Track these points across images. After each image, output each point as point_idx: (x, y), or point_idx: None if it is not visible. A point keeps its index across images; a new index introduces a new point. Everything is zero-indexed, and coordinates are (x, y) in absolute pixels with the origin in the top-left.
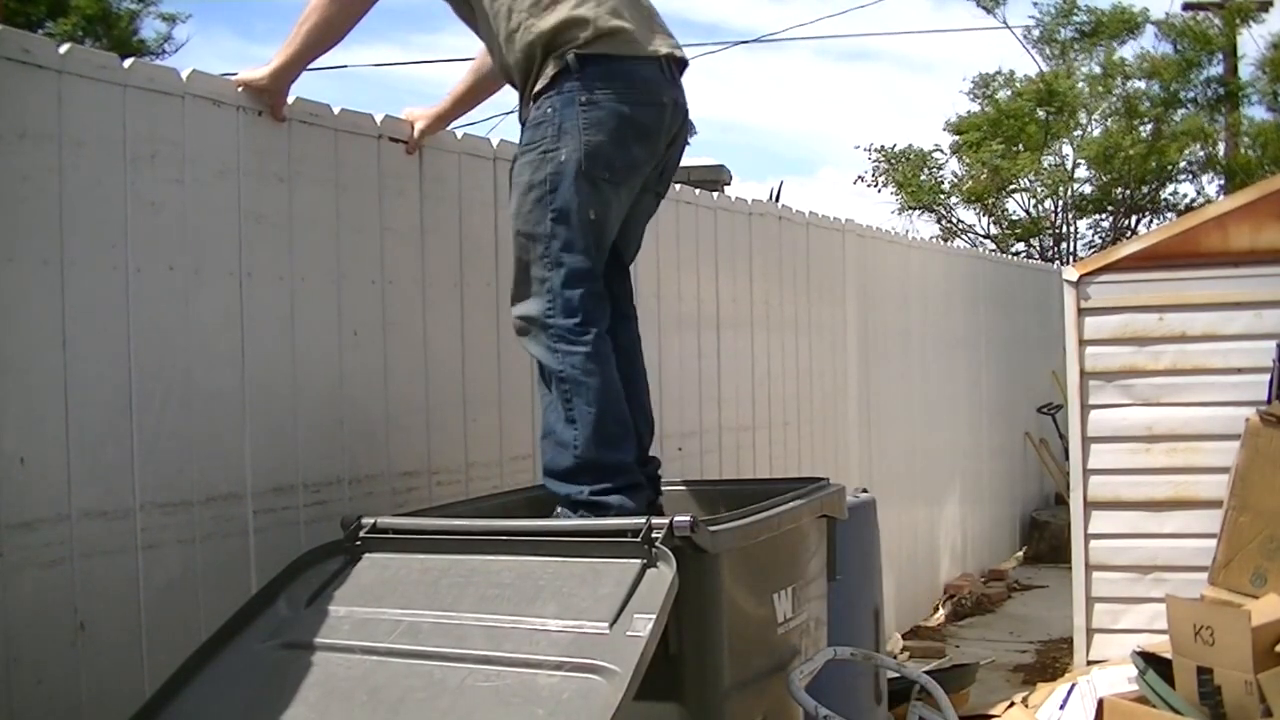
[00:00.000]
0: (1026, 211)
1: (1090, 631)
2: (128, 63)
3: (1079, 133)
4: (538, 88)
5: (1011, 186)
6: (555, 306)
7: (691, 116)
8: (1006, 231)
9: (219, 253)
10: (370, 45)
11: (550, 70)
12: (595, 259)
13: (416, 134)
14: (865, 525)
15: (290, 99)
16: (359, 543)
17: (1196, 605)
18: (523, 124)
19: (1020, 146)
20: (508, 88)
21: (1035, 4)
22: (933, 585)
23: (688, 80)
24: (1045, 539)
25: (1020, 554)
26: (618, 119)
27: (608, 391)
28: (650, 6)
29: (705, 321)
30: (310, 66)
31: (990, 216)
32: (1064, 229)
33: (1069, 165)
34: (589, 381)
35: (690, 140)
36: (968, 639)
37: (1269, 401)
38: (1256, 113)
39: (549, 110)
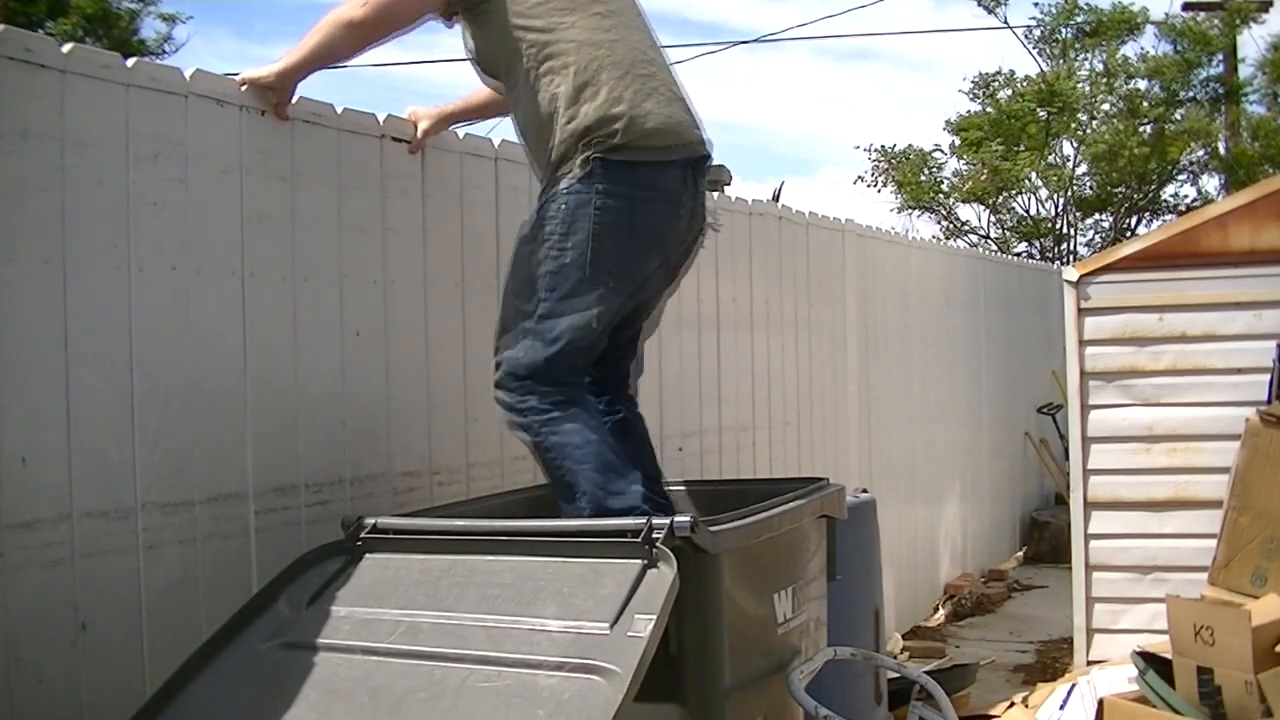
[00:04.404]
0: (1027, 212)
1: (1090, 631)
2: (130, 62)
3: (1081, 132)
4: (561, 180)
5: (1015, 188)
6: (532, 381)
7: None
8: (1010, 232)
9: (221, 252)
10: None
11: (577, 167)
12: (579, 352)
13: (420, 134)
14: (865, 525)
15: (294, 98)
16: (360, 543)
17: (1196, 605)
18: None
19: (1021, 146)
20: None
21: (1036, 4)
22: (933, 585)
23: (688, 83)
24: (1045, 539)
25: (1020, 554)
26: (630, 226)
27: (590, 442)
28: (684, 95)
29: (705, 321)
30: None
31: (994, 216)
32: (1065, 229)
33: (1070, 165)
34: (569, 440)
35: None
36: (968, 639)
37: (1269, 401)
38: (1257, 112)
39: (562, 205)
